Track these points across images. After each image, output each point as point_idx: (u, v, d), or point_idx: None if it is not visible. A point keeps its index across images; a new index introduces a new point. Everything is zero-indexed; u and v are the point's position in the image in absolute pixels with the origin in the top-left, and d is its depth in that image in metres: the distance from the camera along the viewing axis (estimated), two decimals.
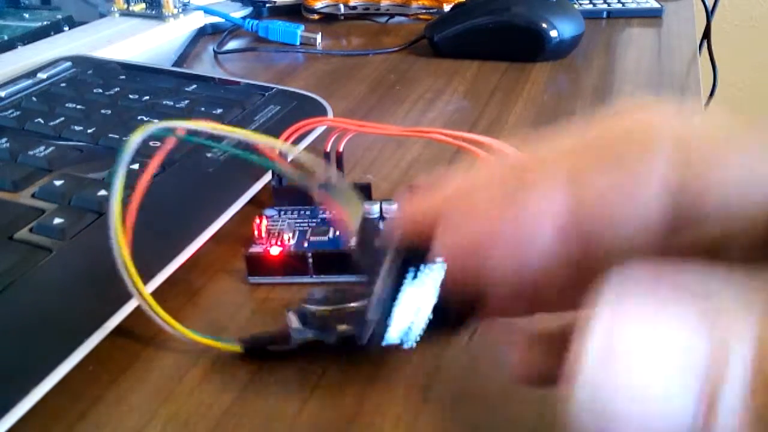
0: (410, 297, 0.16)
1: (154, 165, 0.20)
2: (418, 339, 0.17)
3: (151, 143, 0.29)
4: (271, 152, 0.21)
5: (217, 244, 0.27)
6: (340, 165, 0.29)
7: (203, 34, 0.57)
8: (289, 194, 0.29)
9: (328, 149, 0.29)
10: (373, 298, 0.17)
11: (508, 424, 0.20)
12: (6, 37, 0.52)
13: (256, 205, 0.29)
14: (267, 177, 0.30)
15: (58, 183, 0.28)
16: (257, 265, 0.25)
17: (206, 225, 0.26)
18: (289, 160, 0.29)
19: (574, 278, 0.14)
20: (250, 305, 0.25)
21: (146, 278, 0.23)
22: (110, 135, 0.32)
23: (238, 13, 0.60)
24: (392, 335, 0.17)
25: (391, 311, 0.17)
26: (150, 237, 0.26)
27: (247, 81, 0.41)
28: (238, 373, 0.21)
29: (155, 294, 0.23)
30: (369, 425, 0.20)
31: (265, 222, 0.26)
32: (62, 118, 0.34)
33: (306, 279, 0.25)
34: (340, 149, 0.29)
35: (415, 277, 0.16)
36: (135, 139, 0.19)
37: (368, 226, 0.19)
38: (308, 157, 0.19)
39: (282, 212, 0.28)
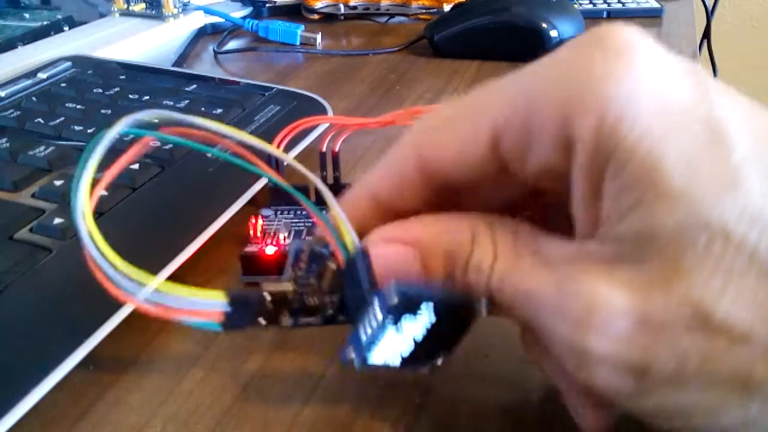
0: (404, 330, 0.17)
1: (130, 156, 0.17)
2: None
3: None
4: (263, 163, 0.18)
5: (218, 245, 0.27)
6: (336, 165, 0.29)
7: (203, 34, 0.57)
8: (286, 194, 0.29)
9: (324, 149, 0.28)
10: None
11: (508, 423, 0.20)
12: (6, 37, 0.52)
13: (256, 206, 0.29)
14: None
15: (58, 183, 0.28)
16: (252, 265, 0.25)
17: (206, 225, 0.26)
18: (284, 165, 0.29)
19: None
20: None
21: (152, 274, 0.23)
22: None
23: (238, 13, 0.60)
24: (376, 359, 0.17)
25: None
26: (150, 237, 0.26)
27: (247, 81, 0.41)
28: (238, 373, 0.21)
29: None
30: (368, 426, 0.20)
31: (260, 222, 0.26)
32: (62, 118, 0.34)
33: None
34: (336, 149, 0.28)
35: (414, 313, 0.17)
36: (114, 131, 0.16)
37: (353, 269, 0.18)
38: (301, 168, 0.18)
39: (278, 212, 0.28)
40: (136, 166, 0.29)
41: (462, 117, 0.17)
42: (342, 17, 0.60)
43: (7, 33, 0.53)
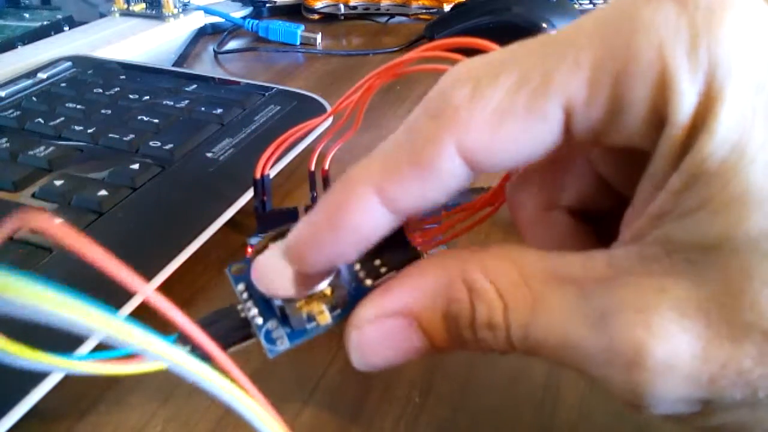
0: None
1: None
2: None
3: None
4: None
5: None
6: (327, 185, 0.26)
7: (203, 34, 0.58)
8: (274, 220, 0.27)
9: (312, 168, 0.26)
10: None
11: (508, 422, 0.20)
12: (6, 37, 0.52)
13: (238, 230, 0.28)
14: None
15: (58, 183, 0.28)
16: None
17: (207, 224, 0.26)
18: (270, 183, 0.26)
19: None
20: None
21: (152, 274, 0.23)
22: (110, 135, 0.32)
23: (238, 13, 0.60)
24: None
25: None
26: (150, 237, 0.26)
27: (247, 81, 0.41)
28: None
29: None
30: (368, 426, 0.20)
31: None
32: (62, 118, 0.34)
33: None
34: (326, 166, 0.26)
35: None
36: None
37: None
38: None
39: None
40: (136, 166, 0.29)
41: (524, 92, 0.13)
42: (342, 17, 0.60)
43: (7, 33, 0.53)
